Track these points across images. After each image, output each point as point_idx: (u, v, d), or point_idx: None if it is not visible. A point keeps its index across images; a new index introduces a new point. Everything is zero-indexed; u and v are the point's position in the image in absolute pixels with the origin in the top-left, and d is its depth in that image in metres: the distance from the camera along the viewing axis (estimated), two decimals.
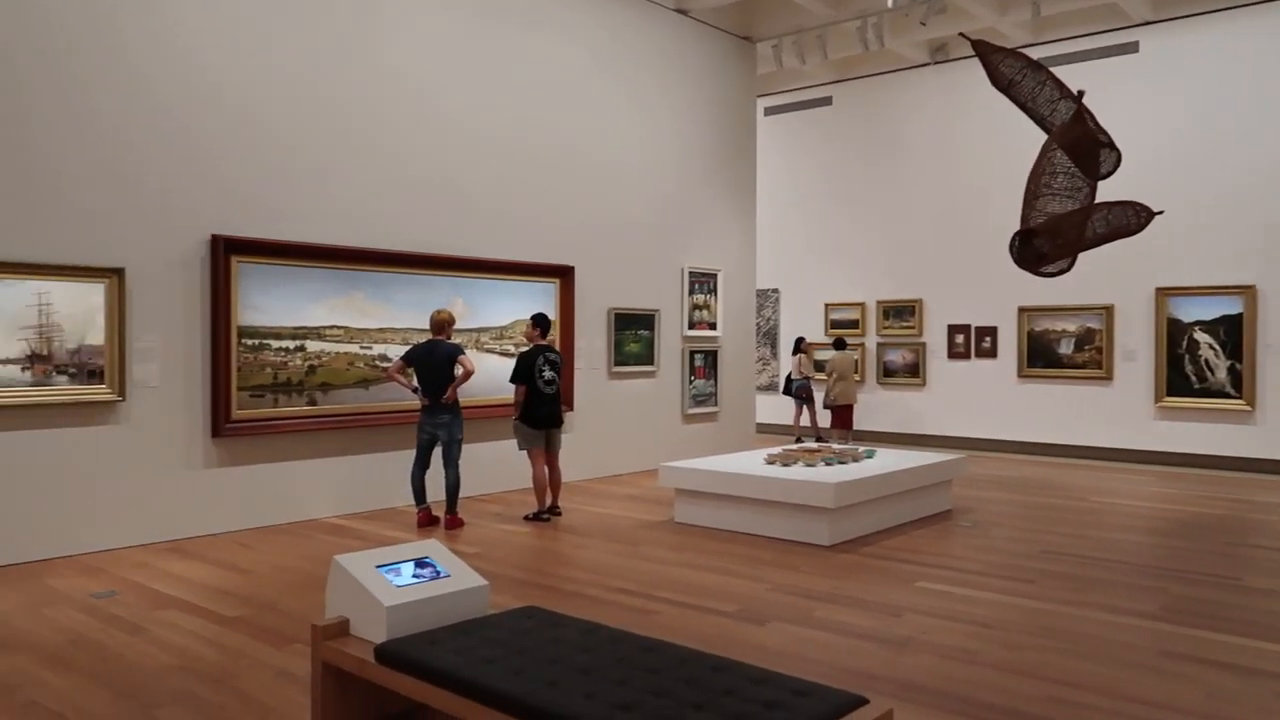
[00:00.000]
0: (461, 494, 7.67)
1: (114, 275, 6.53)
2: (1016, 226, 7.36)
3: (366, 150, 7.99)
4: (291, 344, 7.53)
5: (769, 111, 14.89)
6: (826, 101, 14.59)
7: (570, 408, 9.49)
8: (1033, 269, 7.58)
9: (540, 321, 7.82)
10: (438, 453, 7.46)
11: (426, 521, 7.37)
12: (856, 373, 13.59)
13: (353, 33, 7.91)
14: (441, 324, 7.40)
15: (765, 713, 2.61)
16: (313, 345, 7.66)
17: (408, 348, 7.63)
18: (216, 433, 7.05)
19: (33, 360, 6.23)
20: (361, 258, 7.93)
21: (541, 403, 7.63)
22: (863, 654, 4.45)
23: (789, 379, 13.61)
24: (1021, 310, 12.63)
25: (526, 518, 7.73)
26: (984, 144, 12.97)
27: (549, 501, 7.83)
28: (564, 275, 9.60)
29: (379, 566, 3.59)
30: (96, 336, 6.49)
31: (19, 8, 6.13)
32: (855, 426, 13.16)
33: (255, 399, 7.29)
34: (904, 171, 13.83)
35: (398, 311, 8.23)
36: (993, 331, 12.97)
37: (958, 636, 4.71)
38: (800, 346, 13.60)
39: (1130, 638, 4.71)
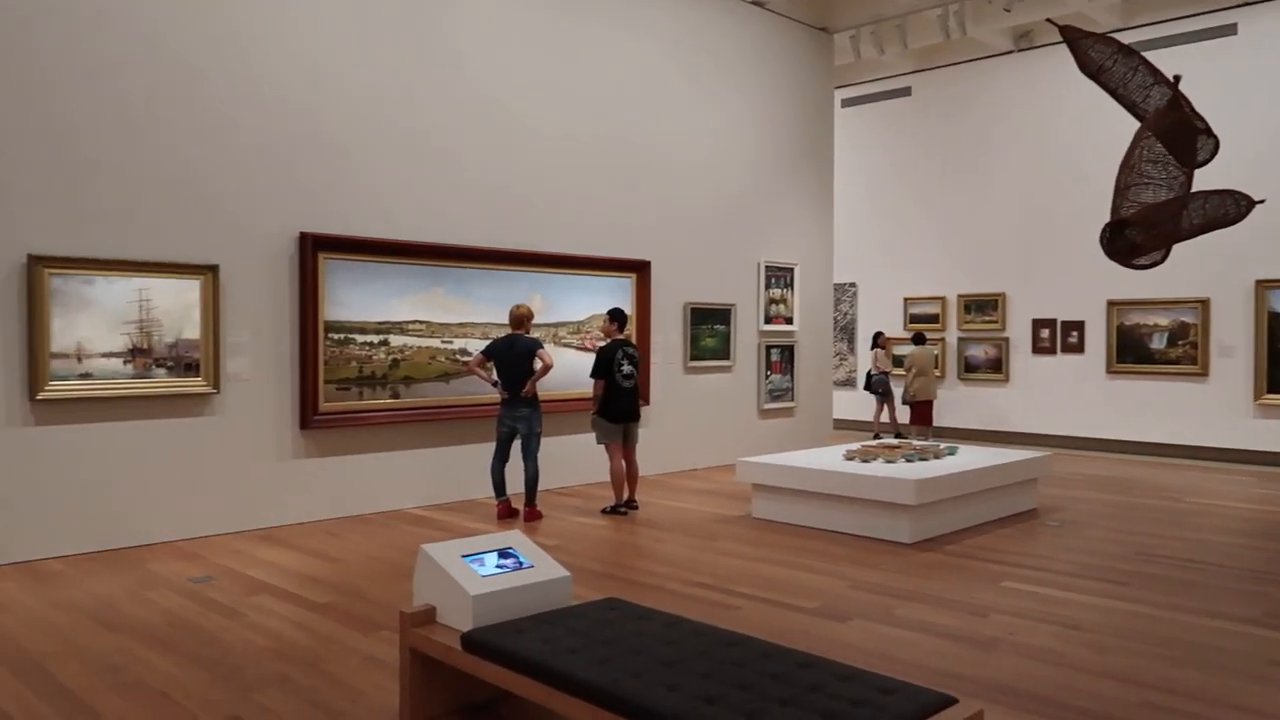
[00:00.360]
0: (540, 487, 7.75)
1: (209, 272, 6.77)
2: (1106, 217, 7.12)
3: (448, 149, 8.13)
4: (375, 338, 7.70)
5: (846, 103, 14.69)
6: (905, 92, 14.32)
7: (646, 402, 9.51)
8: (1125, 261, 7.33)
9: (618, 316, 7.86)
10: (517, 446, 7.55)
11: (506, 514, 7.47)
12: (936, 368, 13.33)
13: (434, 34, 8.05)
14: (520, 319, 7.48)
15: (852, 710, 2.59)
16: (396, 340, 7.83)
17: (487, 342, 7.73)
18: (305, 424, 7.26)
19: (134, 354, 6.50)
20: (443, 254, 8.07)
21: (620, 397, 7.67)
22: (948, 654, 4.37)
23: (869, 374, 13.41)
24: (1111, 304, 12.23)
25: (605, 511, 7.78)
26: (1071, 133, 12.59)
27: (626, 495, 7.86)
28: (640, 270, 9.63)
29: (464, 556, 3.66)
30: (193, 331, 6.73)
31: (122, 16, 6.39)
32: (935, 423, 12.91)
33: (341, 392, 7.49)
34: (987, 162, 13.51)
35: (477, 307, 8.35)
36: (1080, 326, 12.58)
37: (1047, 638, 4.59)
38: (878, 341, 13.40)
39: (1233, 644, 4.52)
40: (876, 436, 12.34)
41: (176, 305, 6.66)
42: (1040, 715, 3.64)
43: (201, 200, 6.76)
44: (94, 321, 6.31)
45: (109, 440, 6.38)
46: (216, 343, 6.81)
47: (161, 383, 6.61)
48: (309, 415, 7.26)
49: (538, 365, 7.33)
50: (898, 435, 12.35)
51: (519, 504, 7.63)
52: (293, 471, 7.25)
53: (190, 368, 6.74)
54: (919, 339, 12.67)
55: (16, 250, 6.00)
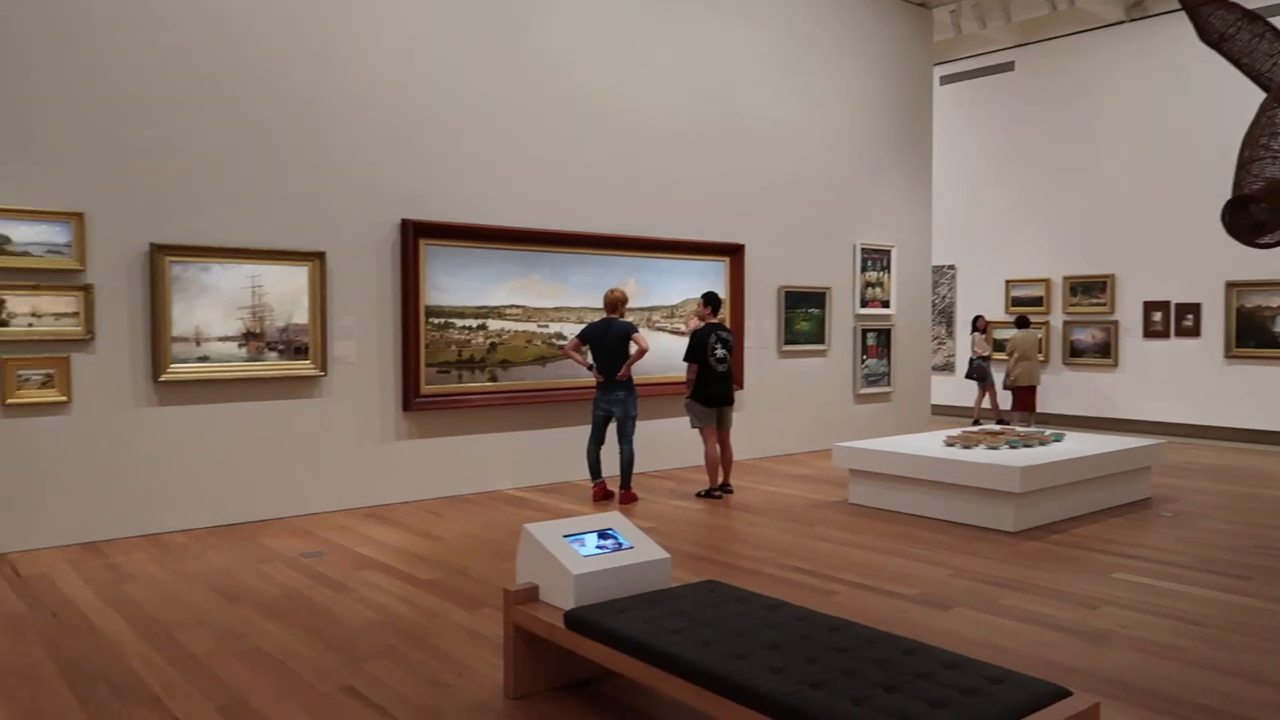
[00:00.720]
0: (635, 470, 7.79)
1: (316, 258, 7.00)
2: (1226, 194, 6.77)
3: (545, 135, 8.21)
4: (474, 323, 7.86)
5: (945, 80, 14.28)
6: (1008, 67, 13.84)
7: (740, 386, 9.47)
8: (1248, 240, 6.95)
9: (711, 300, 7.83)
10: (613, 429, 7.61)
11: (601, 496, 7.55)
12: (1040, 352, 12.91)
13: (527, 23, 8.13)
14: (615, 302, 7.52)
15: (961, 698, 2.54)
16: (493, 324, 7.97)
17: (583, 327, 7.80)
18: (407, 407, 7.46)
19: (247, 338, 6.77)
20: (539, 239, 8.17)
21: (713, 381, 7.66)
22: (1057, 646, 4.24)
23: (972, 359, 13.06)
24: (1230, 285, 11.63)
25: (699, 495, 7.79)
26: (1186, 106, 11.99)
27: (721, 479, 7.86)
28: (734, 253, 9.57)
29: (566, 536, 3.71)
30: (302, 316, 6.98)
31: (235, 26, 6.63)
32: (1038, 409, 12.51)
33: (441, 375, 7.67)
34: (1094, 139, 12.96)
35: (573, 291, 8.44)
36: (1196, 308, 12.00)
37: (1163, 632, 4.41)
38: (977, 324, 13.04)
39: None
40: (976, 422, 12.03)
41: (286, 291, 6.92)
42: (1158, 712, 3.51)
43: (309, 190, 6.99)
44: (211, 307, 6.60)
45: (225, 420, 6.68)
46: (324, 327, 7.05)
47: (273, 365, 6.88)
48: (411, 397, 7.46)
49: (633, 349, 7.36)
50: (999, 421, 12.01)
51: (614, 486, 7.71)
52: (396, 452, 7.47)
53: (300, 351, 6.99)
54: (1022, 322, 12.27)
55: (140, 239, 6.31)
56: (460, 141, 7.74)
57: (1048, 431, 8.25)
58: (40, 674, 3.87)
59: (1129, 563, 5.71)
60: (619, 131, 8.72)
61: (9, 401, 5.88)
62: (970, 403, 13.24)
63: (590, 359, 7.55)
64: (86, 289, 6.12)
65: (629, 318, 7.85)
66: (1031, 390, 12.10)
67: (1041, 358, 13.07)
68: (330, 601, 4.87)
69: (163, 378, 6.38)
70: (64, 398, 6.06)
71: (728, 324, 9.15)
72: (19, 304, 5.92)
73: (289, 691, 3.68)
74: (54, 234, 6.04)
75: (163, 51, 6.37)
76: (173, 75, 6.41)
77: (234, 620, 4.56)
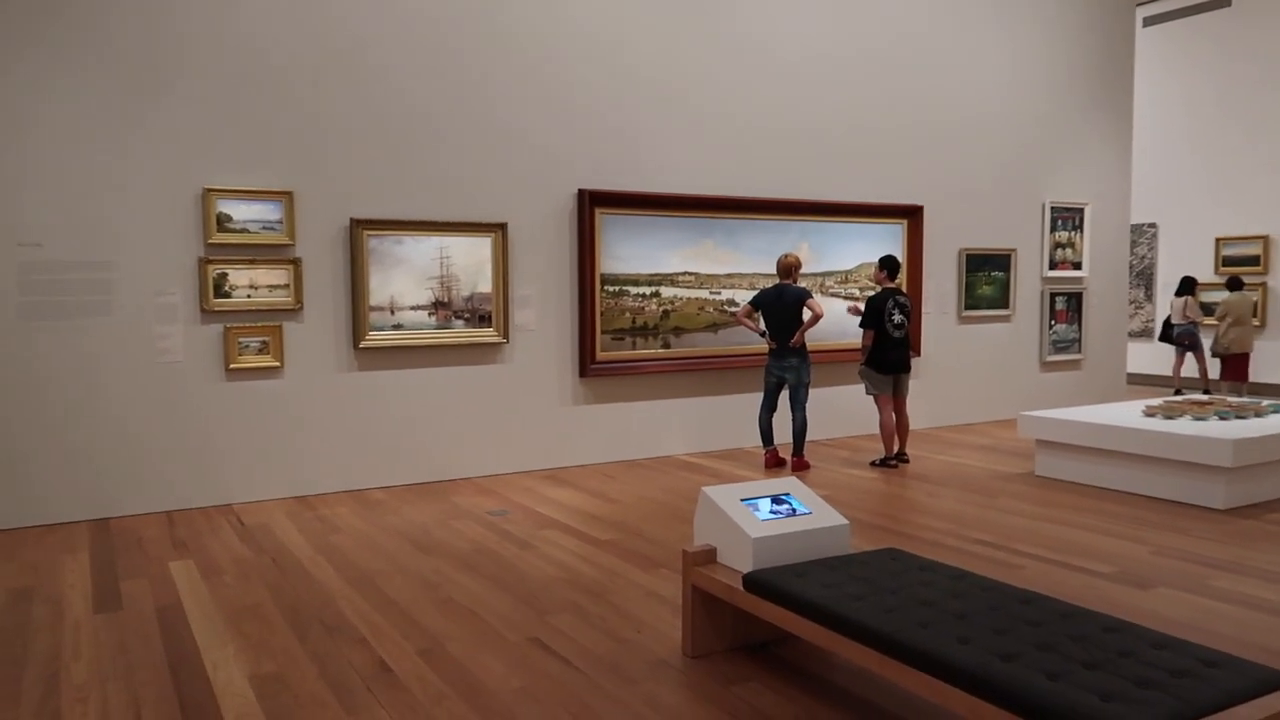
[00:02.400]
0: (808, 438, 7.70)
1: (499, 230, 7.27)
2: None
3: (716, 101, 8.17)
4: (648, 290, 7.96)
5: (1149, 21, 13.17)
6: (1224, 3, 12.60)
7: (918, 353, 9.18)
8: None
9: (888, 264, 7.59)
10: (785, 396, 7.56)
11: (773, 463, 7.53)
12: (1256, 317, 11.82)
13: None
14: (789, 268, 7.43)
15: (1171, 680, 2.40)
16: (666, 291, 8.05)
17: (755, 292, 7.76)
18: (583, 373, 7.67)
19: (436, 306, 7.14)
20: (712, 205, 8.16)
21: (890, 347, 7.46)
22: (1275, 631, 3.92)
23: (1167, 323, 12.12)
24: None
25: (873, 463, 7.64)
26: None
27: (896, 448, 7.66)
28: (912, 215, 9.23)
29: (743, 500, 3.73)
30: (485, 285, 7.28)
31: (420, 16, 6.95)
32: (1251, 379, 11.47)
33: (616, 342, 7.83)
34: None
35: (745, 257, 8.39)
36: None
37: None
38: (1189, 288, 11.98)
39: None
40: (1178, 392, 11.18)
41: (471, 261, 7.23)
42: None
43: (490, 165, 7.25)
44: (404, 277, 6.99)
45: (417, 385, 7.08)
46: (506, 295, 7.33)
47: (460, 333, 7.22)
48: (587, 364, 7.66)
49: (806, 315, 7.26)
50: (1206, 392, 11.10)
51: (786, 454, 7.66)
52: (573, 417, 7.70)
53: (484, 319, 7.31)
54: (1234, 284, 11.24)
55: (342, 215, 6.75)
56: (632, 109, 7.82)
57: (1264, 402, 7.57)
58: (264, 612, 4.26)
59: None
60: (792, 93, 8.55)
61: (232, 366, 6.45)
62: (1169, 371, 12.30)
63: (762, 325, 7.52)
64: (296, 262, 6.61)
65: (802, 284, 7.73)
66: (1245, 358, 11.11)
67: (1256, 322, 11.97)
68: (515, 557, 5.11)
69: (362, 344, 6.82)
70: (277, 363, 6.59)
71: (905, 289, 8.86)
72: (239, 277, 6.47)
73: (481, 640, 3.90)
74: (268, 212, 6.54)
75: (351, 49, 6.74)
76: (361, 69, 6.77)
77: (429, 571, 4.86)
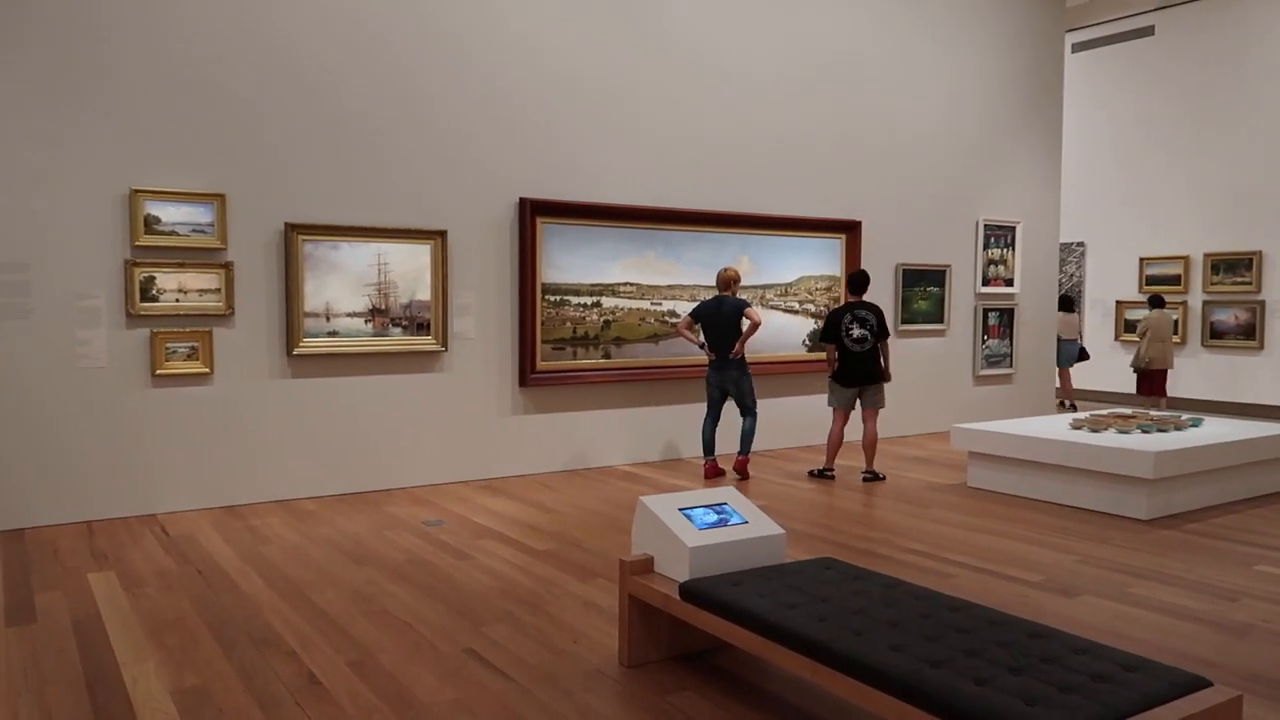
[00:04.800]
0: (752, 449, 7.68)
1: (438, 237, 7.20)
2: None
3: (659, 114, 8.21)
4: (589, 300, 7.95)
5: (1078, 47, 13.61)
6: (1147, 32, 13.08)
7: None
8: None
9: (852, 279, 7.71)
10: (730, 407, 7.59)
11: (713, 474, 7.55)
12: (1176, 334, 12.25)
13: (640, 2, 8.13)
14: (728, 281, 7.48)
15: (1092, 685, 2.45)
16: (607, 301, 8.05)
17: (695, 304, 7.80)
18: (523, 382, 7.62)
19: (373, 314, 7.03)
20: (654, 217, 8.19)
21: (849, 361, 7.52)
22: (1193, 637, 4.04)
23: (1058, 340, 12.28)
24: None
25: (810, 473, 7.71)
26: None
27: (838, 459, 7.77)
28: (850, 230, 9.38)
29: (681, 509, 3.74)
30: (424, 293, 7.20)
31: (353, 18, 6.87)
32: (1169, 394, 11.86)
33: (556, 351, 7.80)
34: (1241, 106, 12.14)
35: (687, 269, 8.43)
36: None
37: None
38: (1069, 305, 12.23)
39: None
40: (1072, 406, 11.62)
41: (410, 269, 7.14)
42: None
43: (431, 172, 7.18)
44: (340, 284, 6.87)
45: (352, 393, 6.97)
46: (445, 304, 7.25)
47: (397, 341, 7.12)
48: (527, 373, 7.61)
49: (745, 324, 7.31)
50: (1071, 406, 11.63)
51: (726, 465, 7.69)
52: (512, 426, 7.64)
53: (422, 327, 7.22)
54: (1156, 302, 11.62)
55: (276, 219, 6.62)
56: (575, 120, 7.81)
57: (1184, 416, 7.83)
58: (188, 624, 4.14)
59: (1273, 555, 5.39)
60: (733, 107, 8.64)
61: (159, 372, 6.27)
62: (1099, 386, 12.69)
63: (702, 337, 7.56)
64: (227, 266, 6.46)
65: (742, 295, 7.79)
66: (1163, 374, 11.47)
67: (1177, 339, 12.40)
68: (451, 568, 5.04)
69: (296, 351, 6.69)
70: (207, 369, 6.42)
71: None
72: (167, 281, 6.30)
73: (414, 651, 3.83)
74: (198, 214, 6.38)
75: (290, 47, 6.63)
76: (300, 71, 6.67)
77: (361, 582, 4.77)
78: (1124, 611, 4.40)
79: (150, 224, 6.21)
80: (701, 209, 8.44)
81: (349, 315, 6.94)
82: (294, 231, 6.66)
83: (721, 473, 7.61)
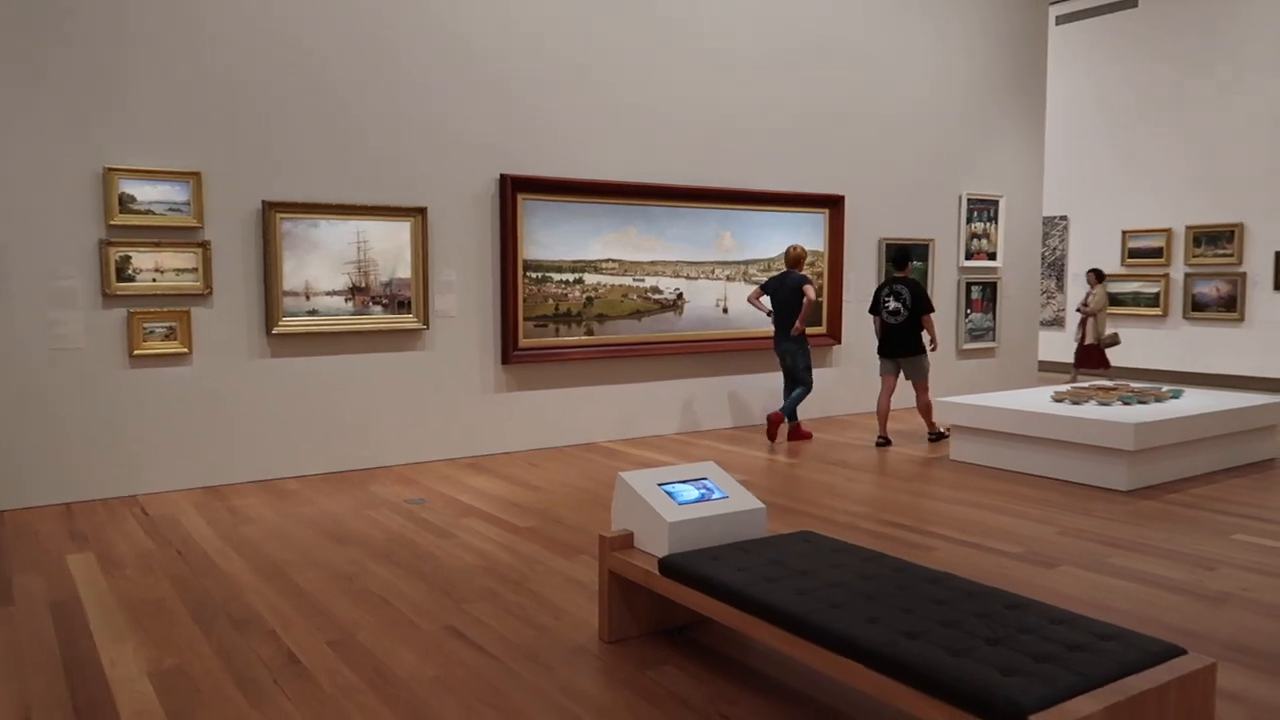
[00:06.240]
0: (739, 422, 7.74)
1: (418, 214, 7.13)
2: None
3: (640, 88, 8.14)
4: (571, 277, 7.91)
5: (1061, 20, 13.56)
6: (1131, 3, 13.04)
7: (839, 341, 9.37)
8: None
9: (894, 255, 8.21)
10: None
11: (796, 435, 8.16)
12: (1158, 305, 12.34)
13: None
14: (796, 259, 8.08)
15: (1068, 654, 2.46)
16: (590, 278, 8.01)
17: (681, 281, 7.84)
18: (506, 360, 7.58)
19: (353, 292, 6.97)
20: (636, 193, 8.14)
21: (886, 333, 8.05)
22: (1172, 607, 4.08)
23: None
24: None
25: (878, 444, 7.99)
26: None
27: (883, 429, 8.11)
28: (833, 205, 9.35)
29: (661, 485, 3.73)
30: (405, 270, 7.14)
31: None
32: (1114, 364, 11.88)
33: (539, 329, 7.76)
34: (1225, 79, 12.14)
35: (669, 244, 8.39)
36: None
37: None
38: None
39: None
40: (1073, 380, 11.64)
41: (390, 246, 7.08)
42: None
43: (411, 148, 7.11)
44: (319, 262, 6.81)
45: (334, 372, 6.92)
46: (426, 281, 7.20)
47: (378, 319, 7.07)
48: (509, 351, 7.58)
49: (804, 301, 7.83)
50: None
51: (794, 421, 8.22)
52: (495, 404, 7.62)
53: (403, 305, 7.17)
54: (1099, 276, 11.62)
55: (253, 197, 6.54)
56: (556, 96, 7.74)
57: (1165, 388, 7.88)
58: (168, 606, 4.11)
59: (1251, 524, 5.44)
60: (717, 82, 8.57)
61: (136, 353, 6.20)
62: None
63: (769, 306, 8.12)
64: (204, 245, 6.38)
65: (724, 271, 7.84)
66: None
67: (1158, 311, 12.52)
68: (433, 546, 5.03)
69: (275, 330, 6.63)
70: (185, 349, 6.36)
71: (825, 277, 9.02)
72: (144, 260, 6.22)
73: (393, 629, 3.83)
74: (174, 193, 6.30)
75: (268, 21, 6.53)
76: (277, 47, 6.57)
77: (342, 561, 4.75)
78: (1103, 582, 4.43)
79: (125, 203, 6.13)
80: (684, 184, 8.39)
81: (329, 294, 6.88)
82: (272, 209, 6.58)
83: (807, 435, 8.20)
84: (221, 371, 6.51)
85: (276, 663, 3.50)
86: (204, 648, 3.64)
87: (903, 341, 7.98)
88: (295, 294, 6.73)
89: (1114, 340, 11.50)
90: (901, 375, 8.12)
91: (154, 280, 6.26)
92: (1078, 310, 11.83)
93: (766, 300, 8.12)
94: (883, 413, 8.08)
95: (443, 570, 4.61)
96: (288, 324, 6.69)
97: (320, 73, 6.74)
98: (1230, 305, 12.19)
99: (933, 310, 8.02)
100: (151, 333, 6.28)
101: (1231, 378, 11.93)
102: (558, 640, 3.70)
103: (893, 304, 7.96)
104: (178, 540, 5.15)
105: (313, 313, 6.81)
